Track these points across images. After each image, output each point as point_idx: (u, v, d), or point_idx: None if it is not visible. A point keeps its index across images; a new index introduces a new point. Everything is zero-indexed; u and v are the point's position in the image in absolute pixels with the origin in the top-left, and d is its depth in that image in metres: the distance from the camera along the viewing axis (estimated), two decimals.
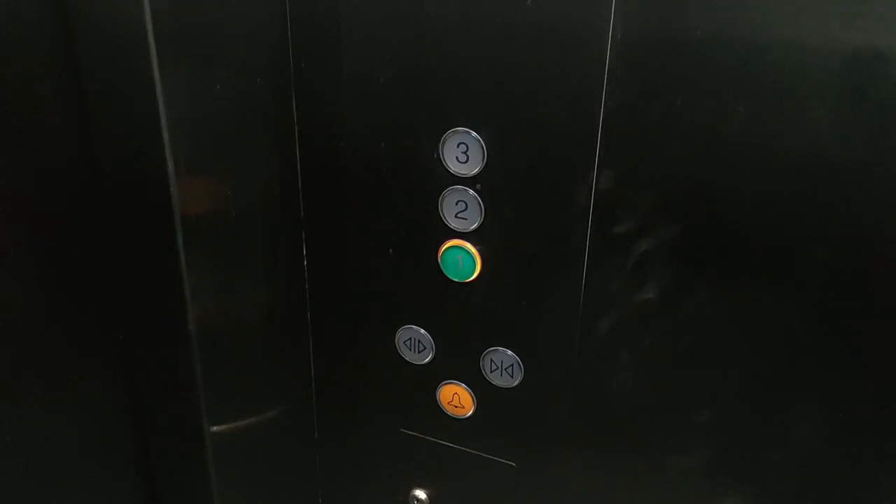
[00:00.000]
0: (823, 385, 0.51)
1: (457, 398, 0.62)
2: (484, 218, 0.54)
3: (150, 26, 0.46)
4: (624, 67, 0.46)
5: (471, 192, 0.54)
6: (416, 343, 0.61)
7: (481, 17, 0.48)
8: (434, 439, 0.66)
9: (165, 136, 0.49)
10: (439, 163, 0.53)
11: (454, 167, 0.53)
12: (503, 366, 0.59)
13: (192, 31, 0.49)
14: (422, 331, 0.61)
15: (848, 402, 0.51)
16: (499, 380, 0.60)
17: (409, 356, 0.62)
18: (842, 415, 0.51)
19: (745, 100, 0.45)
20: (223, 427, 0.62)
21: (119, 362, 0.60)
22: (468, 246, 0.55)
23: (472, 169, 0.53)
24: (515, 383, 0.60)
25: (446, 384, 0.62)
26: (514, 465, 0.64)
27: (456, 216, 0.55)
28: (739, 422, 0.54)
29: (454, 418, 0.64)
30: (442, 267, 0.57)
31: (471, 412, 0.63)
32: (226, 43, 0.51)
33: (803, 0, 0.42)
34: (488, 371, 0.60)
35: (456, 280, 0.57)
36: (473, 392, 0.62)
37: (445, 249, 0.56)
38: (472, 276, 0.56)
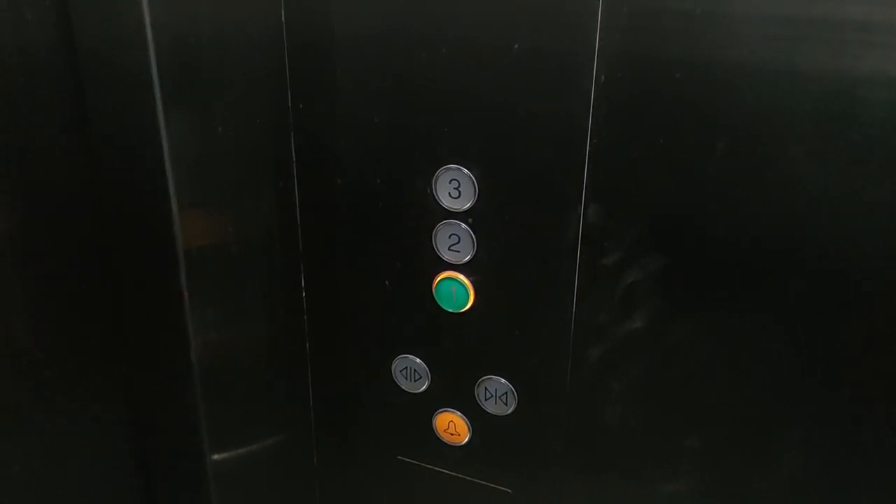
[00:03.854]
0: (811, 412, 0.52)
1: (452, 426, 0.64)
2: (476, 250, 0.56)
3: (155, 72, 0.48)
4: (607, 108, 0.48)
5: (463, 225, 0.55)
6: (411, 372, 0.63)
7: (471, 60, 0.50)
8: (431, 466, 0.67)
9: (169, 175, 0.51)
10: (432, 198, 0.55)
11: (447, 202, 0.55)
12: (497, 394, 0.61)
13: (195, 77, 0.50)
14: (417, 360, 0.62)
15: (836, 428, 0.52)
16: (493, 407, 0.61)
17: (405, 385, 0.63)
18: (830, 441, 0.52)
19: (724, 137, 0.46)
20: (224, 455, 0.62)
21: (123, 394, 0.61)
22: (461, 277, 0.57)
23: (464, 204, 0.54)
24: (510, 411, 0.61)
25: (442, 412, 0.63)
26: (509, 491, 0.64)
27: (449, 249, 0.56)
28: (729, 448, 0.55)
29: (450, 445, 0.65)
30: (436, 298, 0.58)
31: (466, 439, 0.64)
32: (227, 87, 0.52)
33: (779, 40, 0.43)
34: (483, 399, 0.61)
35: (450, 310, 0.58)
36: (469, 420, 0.63)
37: (439, 281, 0.58)
38: (465, 306, 0.58)
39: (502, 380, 0.60)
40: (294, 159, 0.58)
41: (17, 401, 0.54)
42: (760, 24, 0.43)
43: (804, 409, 0.52)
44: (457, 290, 0.57)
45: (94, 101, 0.50)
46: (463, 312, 0.58)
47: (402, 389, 0.64)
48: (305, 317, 0.64)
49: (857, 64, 0.42)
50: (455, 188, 0.54)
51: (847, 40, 0.42)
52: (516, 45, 0.48)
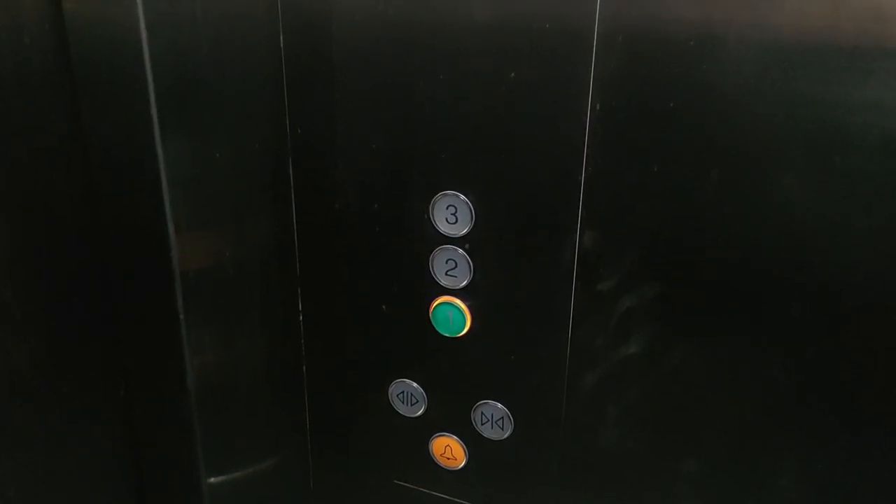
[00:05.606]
0: (808, 434, 0.52)
1: (449, 450, 0.64)
2: (473, 275, 0.56)
3: (152, 95, 0.48)
4: (602, 135, 0.48)
5: (460, 251, 0.55)
6: (408, 396, 0.63)
7: (468, 87, 0.50)
8: (427, 490, 0.67)
9: (166, 197, 0.51)
10: (429, 223, 0.55)
11: (444, 227, 0.55)
12: (493, 418, 0.60)
13: (193, 100, 0.51)
14: (414, 384, 0.62)
15: (832, 451, 0.52)
16: (489, 432, 0.61)
17: (401, 409, 0.63)
18: (827, 464, 0.52)
19: (717, 165, 0.47)
20: (221, 478, 0.62)
21: (120, 416, 0.61)
22: (458, 302, 0.57)
23: (461, 229, 0.54)
24: (506, 435, 0.61)
25: (438, 436, 0.63)
26: None
27: (446, 274, 0.56)
28: (724, 472, 0.55)
29: (447, 470, 0.65)
30: (433, 322, 0.58)
31: (463, 464, 0.64)
32: (225, 110, 0.53)
33: (772, 68, 0.44)
34: (479, 423, 0.61)
35: (447, 335, 0.59)
36: (465, 444, 0.63)
37: (436, 306, 0.58)
38: (462, 331, 0.58)
39: (499, 404, 0.60)
40: (292, 183, 0.59)
41: (12, 421, 0.54)
42: (754, 53, 0.44)
43: (801, 432, 0.52)
44: (453, 315, 0.57)
45: (91, 124, 0.51)
46: (460, 337, 0.58)
47: (399, 413, 0.64)
48: (302, 340, 0.65)
49: (849, 91, 0.43)
50: (452, 214, 0.54)
51: (839, 67, 0.42)
52: (513, 73, 0.49)
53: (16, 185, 0.51)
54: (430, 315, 0.58)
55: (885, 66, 0.42)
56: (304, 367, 0.66)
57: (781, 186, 0.46)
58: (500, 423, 0.60)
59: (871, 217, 0.45)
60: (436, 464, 0.64)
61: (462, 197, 0.53)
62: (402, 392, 0.63)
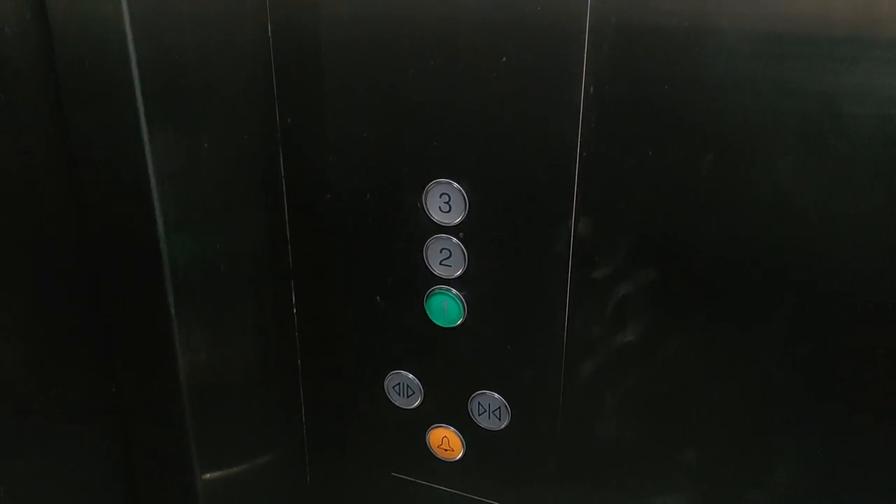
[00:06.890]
0: (805, 423, 0.52)
1: (446, 441, 0.63)
2: (468, 265, 0.55)
3: (138, 88, 0.47)
4: (597, 120, 0.48)
5: (454, 239, 0.55)
6: (404, 388, 0.62)
7: (459, 75, 0.50)
8: (425, 482, 0.66)
9: (154, 193, 0.50)
10: (423, 212, 0.55)
11: (437, 216, 0.54)
12: (490, 408, 0.60)
13: (180, 94, 0.50)
14: (410, 375, 0.62)
15: (830, 440, 0.52)
16: (487, 422, 0.61)
17: (398, 401, 0.63)
18: (824, 453, 0.52)
19: (712, 150, 0.46)
20: (216, 475, 0.62)
21: (112, 413, 0.61)
22: (453, 292, 0.57)
23: (455, 218, 0.54)
24: (503, 426, 0.60)
25: (435, 427, 0.63)
26: None
27: (440, 263, 0.56)
28: (723, 461, 0.55)
29: (444, 461, 0.64)
30: (428, 313, 0.58)
31: (460, 455, 0.63)
32: (213, 102, 0.52)
33: (765, 55, 0.43)
34: (476, 414, 0.61)
35: (442, 325, 0.58)
36: (462, 435, 0.63)
37: (431, 296, 0.57)
38: (457, 321, 0.58)
39: (496, 395, 0.60)
40: (283, 175, 0.58)
41: (2, 422, 0.54)
42: (747, 40, 0.43)
43: (798, 421, 0.52)
44: (449, 305, 0.57)
45: (75, 118, 0.50)
46: (455, 327, 0.58)
47: (396, 405, 0.63)
48: (296, 334, 0.64)
49: (842, 79, 0.43)
50: (445, 202, 0.54)
51: (832, 55, 0.42)
52: (504, 59, 0.48)
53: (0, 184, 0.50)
54: (425, 305, 0.58)
55: (876, 53, 0.42)
56: (299, 361, 0.65)
57: (775, 172, 0.46)
58: (497, 413, 0.60)
59: (865, 203, 0.45)
60: (433, 455, 0.64)
61: (455, 185, 0.53)
62: (399, 384, 0.62)
